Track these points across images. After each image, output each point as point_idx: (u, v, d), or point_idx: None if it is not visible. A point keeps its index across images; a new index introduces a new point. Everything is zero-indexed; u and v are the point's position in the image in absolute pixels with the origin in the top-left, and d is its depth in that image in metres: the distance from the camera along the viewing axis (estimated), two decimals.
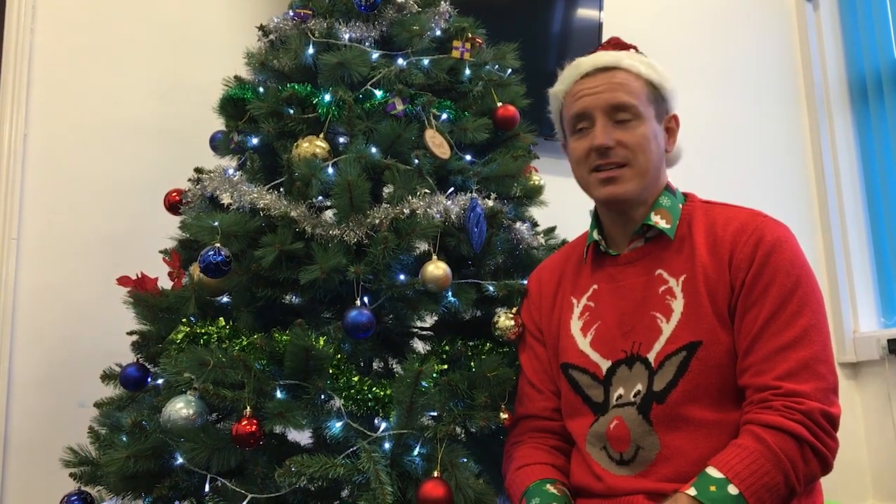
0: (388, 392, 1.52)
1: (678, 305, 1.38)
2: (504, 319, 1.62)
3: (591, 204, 1.85)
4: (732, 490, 1.19)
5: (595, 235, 1.53)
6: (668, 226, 1.44)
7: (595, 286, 1.51)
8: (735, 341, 1.34)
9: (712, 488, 1.20)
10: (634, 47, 1.53)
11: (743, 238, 1.37)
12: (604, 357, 1.44)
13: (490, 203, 1.72)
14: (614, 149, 1.42)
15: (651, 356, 1.38)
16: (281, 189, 1.70)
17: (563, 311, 1.54)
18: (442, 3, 1.94)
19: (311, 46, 1.81)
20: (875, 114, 3.49)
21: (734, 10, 3.66)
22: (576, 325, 1.50)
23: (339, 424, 1.47)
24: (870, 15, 3.52)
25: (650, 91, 1.46)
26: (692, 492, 1.21)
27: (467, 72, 1.90)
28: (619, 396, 1.40)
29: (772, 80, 3.68)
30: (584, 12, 3.10)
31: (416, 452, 1.46)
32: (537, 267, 1.68)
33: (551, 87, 1.56)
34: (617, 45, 1.52)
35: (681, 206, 1.48)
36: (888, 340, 3.20)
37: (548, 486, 1.40)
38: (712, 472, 1.22)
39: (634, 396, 1.37)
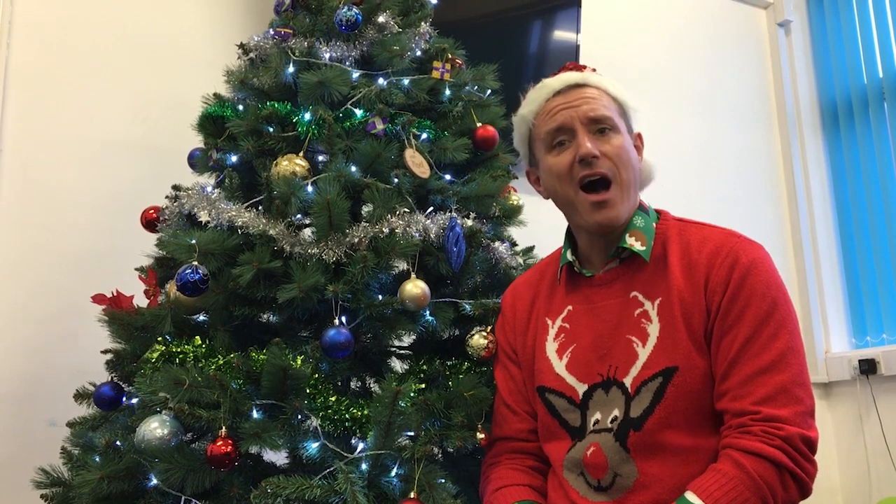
0: (366, 412, 1.51)
1: (654, 329, 1.37)
2: (477, 338, 1.61)
3: (566, 224, 1.87)
4: None
5: (569, 256, 1.51)
6: (643, 248, 1.43)
7: (570, 307, 1.50)
8: (712, 365, 1.33)
9: None
10: (594, 69, 1.53)
11: (718, 260, 1.36)
12: (580, 380, 1.42)
13: (469, 222, 1.72)
14: (599, 159, 1.41)
15: (627, 381, 1.36)
16: (259, 207, 1.69)
17: (538, 332, 1.53)
18: (422, 24, 1.96)
19: (291, 65, 1.81)
20: (845, 137, 3.55)
21: (709, 34, 3.72)
22: (551, 347, 1.49)
23: (315, 445, 1.46)
24: (840, 41, 3.60)
25: (618, 107, 1.47)
26: None
27: (447, 92, 1.91)
28: (597, 421, 1.38)
29: (745, 104, 3.73)
30: (561, 34, 3.13)
31: (393, 473, 1.45)
32: (511, 285, 1.67)
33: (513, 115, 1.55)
34: (576, 68, 1.52)
35: (654, 224, 1.47)
36: (859, 361, 3.25)
37: None
38: (691, 497, 1.22)
39: (612, 422, 1.36)
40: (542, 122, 1.47)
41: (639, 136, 1.53)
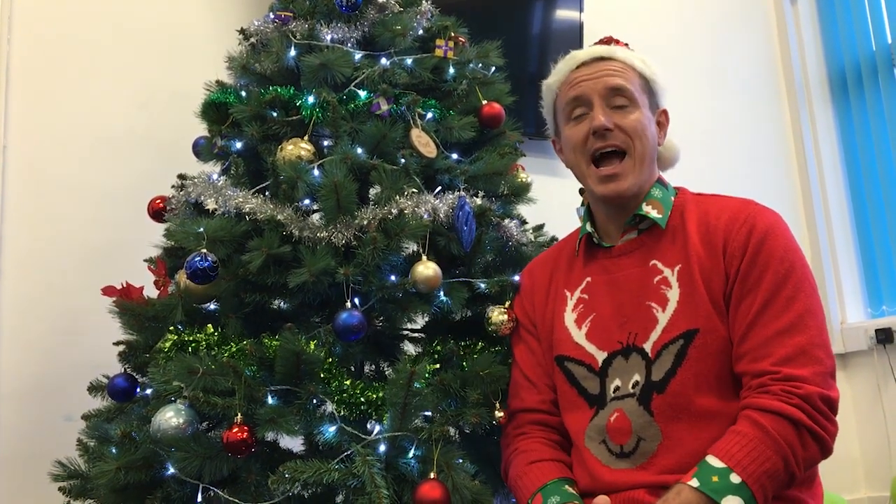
0: (381, 395, 1.50)
1: (674, 294, 1.38)
2: (497, 314, 1.61)
3: (576, 202, 1.85)
4: (735, 479, 1.19)
5: (588, 227, 1.53)
6: (660, 215, 1.45)
7: (588, 278, 1.51)
8: (730, 329, 1.34)
9: (715, 479, 1.19)
10: (626, 44, 1.55)
11: (736, 226, 1.37)
12: (599, 348, 1.43)
13: (478, 201, 1.70)
14: (613, 131, 1.43)
15: (647, 346, 1.37)
16: (266, 193, 1.68)
17: (557, 304, 1.54)
18: (423, 2, 1.94)
19: (292, 48, 1.80)
20: (856, 105, 3.51)
21: (713, 7, 3.68)
22: (570, 318, 1.50)
23: (332, 429, 1.45)
24: (847, 8, 3.55)
25: (642, 82, 1.49)
26: (694, 483, 1.20)
27: (451, 70, 1.89)
28: (617, 388, 1.39)
29: (753, 76, 3.69)
30: (563, 13, 3.09)
31: (411, 454, 1.44)
32: (529, 263, 1.68)
33: (542, 83, 1.57)
34: (610, 41, 1.54)
35: (672, 198, 1.49)
36: (876, 330, 3.21)
37: (567, 486, 1.39)
38: (713, 461, 1.22)
39: (633, 388, 1.37)
40: (564, 93, 1.51)
41: (663, 112, 1.54)
